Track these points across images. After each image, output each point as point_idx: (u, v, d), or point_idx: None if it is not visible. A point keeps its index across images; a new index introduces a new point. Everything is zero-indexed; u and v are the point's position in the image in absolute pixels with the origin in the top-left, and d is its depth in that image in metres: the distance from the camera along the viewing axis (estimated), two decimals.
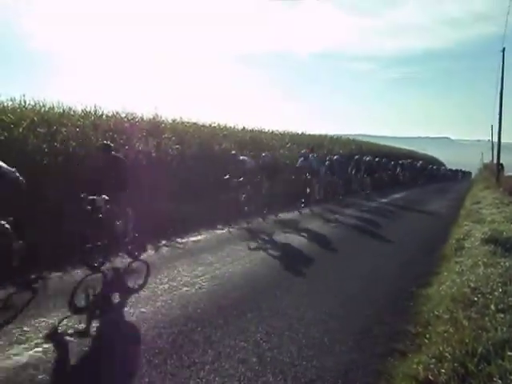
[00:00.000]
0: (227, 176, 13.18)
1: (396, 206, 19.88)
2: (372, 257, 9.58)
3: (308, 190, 16.88)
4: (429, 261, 9.17)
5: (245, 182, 13.30)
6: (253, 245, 10.19)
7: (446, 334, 4.76)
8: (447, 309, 5.64)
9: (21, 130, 9.70)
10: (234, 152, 14.15)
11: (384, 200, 22.41)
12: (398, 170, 34.40)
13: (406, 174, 35.83)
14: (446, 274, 7.77)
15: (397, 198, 24.36)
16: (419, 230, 13.82)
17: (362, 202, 20.70)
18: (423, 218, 16.80)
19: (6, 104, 10.80)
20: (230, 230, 11.87)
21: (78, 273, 7.41)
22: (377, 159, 29.03)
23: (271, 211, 14.31)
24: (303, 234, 11.85)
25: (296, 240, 10.92)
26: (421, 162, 44.63)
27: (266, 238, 11.12)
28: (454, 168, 77.25)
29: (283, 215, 14.70)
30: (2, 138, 9.24)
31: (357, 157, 24.86)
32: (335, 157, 21.53)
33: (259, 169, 14.27)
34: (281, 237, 11.23)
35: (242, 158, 13.64)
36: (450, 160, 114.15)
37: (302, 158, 16.98)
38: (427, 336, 5.03)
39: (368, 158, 25.06)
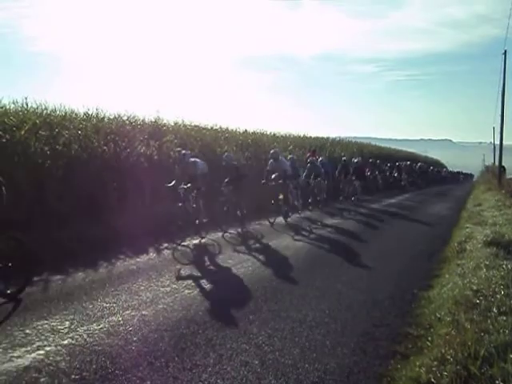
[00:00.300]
0: (172, 183, 10.65)
1: (388, 214, 17.80)
2: (337, 294, 6.94)
3: (281, 197, 14.39)
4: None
5: (196, 189, 11.03)
6: (181, 273, 8.07)
7: (448, 337, 4.75)
8: (449, 311, 5.64)
9: (23, 132, 9.72)
10: (183, 151, 11.43)
11: (375, 206, 20.55)
12: (395, 172, 32.75)
13: (404, 176, 33.39)
14: (447, 276, 7.76)
15: (391, 203, 22.37)
16: (408, 249, 10.86)
17: (350, 208, 18.74)
18: (416, 230, 14.23)
19: (8, 106, 10.80)
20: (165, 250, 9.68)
21: (80, 275, 7.44)
22: (370, 160, 28.37)
23: (234, 223, 12.31)
24: (262, 253, 9.62)
25: (247, 265, 8.57)
26: (420, 163, 42.32)
27: (204, 263, 9.00)
28: (455, 170, 77.30)
29: (250, 227, 12.72)
30: (4, 140, 9.26)
31: (344, 158, 23.02)
32: (320, 158, 19.90)
33: (223, 171, 12.61)
34: (224, 258, 9.15)
35: (193, 159, 11.20)
36: (452, 162, 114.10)
37: (272, 160, 14.32)
38: (429, 338, 5.03)
39: (356, 160, 22.77)
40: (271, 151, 14.86)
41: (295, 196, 15.67)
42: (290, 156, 16.90)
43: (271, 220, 13.58)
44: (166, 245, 9.92)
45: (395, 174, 32.65)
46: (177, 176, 10.95)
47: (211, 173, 11.89)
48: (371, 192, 25.44)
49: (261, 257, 9.30)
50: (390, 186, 30.41)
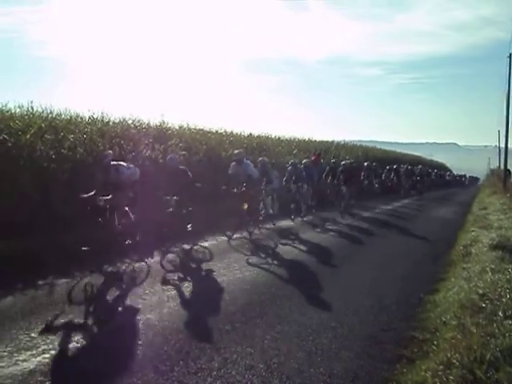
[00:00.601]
0: (92, 192, 8.39)
1: (376, 225, 15.38)
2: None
3: (245, 206, 11.93)
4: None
5: (119, 200, 8.88)
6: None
7: (453, 341, 4.73)
8: (455, 315, 5.62)
9: (28, 136, 9.75)
10: (107, 152, 9.41)
11: (367, 214, 18.35)
12: (393, 176, 30.54)
13: (404, 180, 30.91)
14: (453, 280, 7.74)
15: (386, 211, 20.29)
16: (390, 285, 7.84)
17: (335, 217, 16.25)
18: (408, 248, 11.40)
19: (14, 111, 10.86)
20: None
21: (86, 279, 7.44)
22: (366, 164, 26.65)
23: (179, 240, 10.20)
24: (174, 300, 6.57)
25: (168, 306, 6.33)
26: (420, 166, 37.76)
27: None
28: (461, 174, 77.01)
29: (199, 244, 10.41)
30: (10, 144, 9.29)
31: (333, 161, 20.47)
32: (304, 161, 17.59)
33: (167, 176, 10.58)
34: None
35: (115, 163, 8.87)
36: (458, 166, 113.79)
37: (235, 163, 12.15)
38: (435, 342, 5.01)
39: (344, 162, 19.39)
40: (235, 151, 12.96)
41: (269, 204, 13.90)
42: (291, 161, 16.37)
43: (230, 234, 11.38)
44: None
45: (393, 178, 30.76)
46: (98, 184, 8.61)
47: (217, 175, 11.65)
48: (368, 197, 23.62)
49: (164, 307, 6.25)
50: (388, 191, 28.77)
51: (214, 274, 8.06)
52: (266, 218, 13.58)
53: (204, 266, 8.72)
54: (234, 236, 11.41)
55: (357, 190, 20.30)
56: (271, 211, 13.94)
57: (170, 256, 9.30)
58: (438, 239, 12.87)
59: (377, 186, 27.44)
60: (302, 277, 8.17)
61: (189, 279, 7.72)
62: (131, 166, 9.35)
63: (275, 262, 9.18)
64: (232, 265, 8.67)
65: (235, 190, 11.94)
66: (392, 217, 18.30)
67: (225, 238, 11.21)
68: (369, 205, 21.16)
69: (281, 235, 12.33)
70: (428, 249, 11.45)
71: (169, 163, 10.52)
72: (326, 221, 15.51)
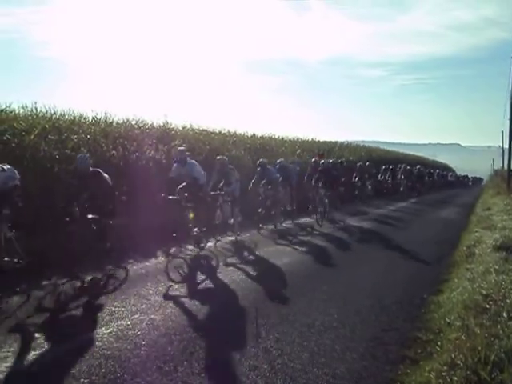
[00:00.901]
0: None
1: (360, 235, 13.06)
2: None
3: (191, 215, 9.99)
4: None
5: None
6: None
7: (457, 342, 4.71)
8: (459, 316, 5.60)
9: (32, 137, 9.77)
10: None
11: (351, 221, 15.73)
12: (388, 177, 29.27)
13: (403, 181, 29.26)
14: (456, 280, 7.72)
15: (373, 216, 17.84)
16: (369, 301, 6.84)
17: (314, 225, 14.18)
18: (396, 273, 8.76)
19: (17, 111, 10.87)
20: None
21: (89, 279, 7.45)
22: (359, 164, 24.69)
23: (92, 266, 7.88)
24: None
25: None
26: (418, 166, 35.33)
27: None
28: (463, 174, 76.83)
29: (123, 268, 8.30)
30: (14, 144, 9.30)
31: (314, 159, 17.36)
32: (278, 160, 15.57)
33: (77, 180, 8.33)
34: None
35: None
36: (461, 166, 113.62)
37: (177, 164, 10.25)
38: (439, 343, 5.00)
39: (322, 161, 16.58)
40: (178, 148, 11.11)
41: (228, 212, 11.62)
42: (291, 159, 15.66)
43: (170, 251, 9.46)
44: (174, 249, 9.81)
45: (389, 179, 29.33)
46: None
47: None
48: (361, 201, 22.64)
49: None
50: (384, 193, 27.55)
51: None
52: (225, 228, 11.60)
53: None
54: (171, 252, 9.45)
55: (339, 193, 18.42)
56: (231, 220, 11.72)
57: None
58: (441, 241, 12.38)
59: (370, 187, 25.49)
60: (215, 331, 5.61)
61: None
62: (7, 166, 7.23)
63: (188, 296, 6.88)
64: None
65: (176, 197, 9.83)
66: (382, 224, 15.81)
67: (158, 260, 9.09)
68: (359, 209, 19.72)
69: (233, 250, 10.29)
70: (426, 255, 10.35)
71: (79, 163, 8.17)
72: (302, 229, 13.64)
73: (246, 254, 10.03)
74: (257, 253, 10.04)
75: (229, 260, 9.27)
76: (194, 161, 10.59)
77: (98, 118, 13.03)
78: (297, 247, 10.90)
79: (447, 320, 5.66)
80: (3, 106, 10.47)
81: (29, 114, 11.04)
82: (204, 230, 10.33)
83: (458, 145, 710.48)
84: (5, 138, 9.29)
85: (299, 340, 5.24)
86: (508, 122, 31.85)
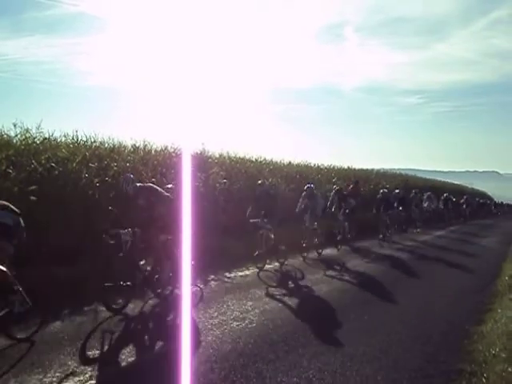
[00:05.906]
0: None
1: (378, 281, 10.51)
2: None
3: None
4: None
5: None
6: None
7: (504, 374, 4.55)
8: (504, 347, 5.42)
9: (74, 164, 9.93)
10: None
11: (368, 264, 12.88)
12: (439, 203, 28.63)
13: (416, 210, 24.98)
14: (500, 310, 7.49)
15: (403, 247, 16.67)
16: None
17: (332, 264, 12.35)
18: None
19: (60, 140, 11.09)
20: None
21: (129, 306, 7.43)
22: (397, 191, 22.29)
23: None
24: None
25: None
26: (446, 194, 32.17)
27: None
28: (504, 202, 74.76)
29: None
30: (57, 172, 9.47)
31: (308, 186, 13.81)
32: (306, 186, 13.80)
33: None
34: None
35: None
36: (499, 194, 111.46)
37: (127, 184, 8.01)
38: (485, 375, 4.80)
39: (335, 186, 16.63)
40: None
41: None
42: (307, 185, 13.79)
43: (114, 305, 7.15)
44: (212, 276, 9.79)
45: (440, 206, 29.31)
46: None
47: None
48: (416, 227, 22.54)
49: None
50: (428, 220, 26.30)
51: None
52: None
53: None
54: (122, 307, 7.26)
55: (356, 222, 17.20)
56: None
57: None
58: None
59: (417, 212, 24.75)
60: None
61: None
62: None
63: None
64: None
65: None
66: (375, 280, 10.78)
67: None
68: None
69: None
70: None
71: (125, 185, 7.95)
72: (325, 263, 12.32)
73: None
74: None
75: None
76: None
77: (137, 146, 13.20)
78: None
79: (492, 351, 5.46)
80: (47, 135, 10.69)
81: (70, 142, 11.24)
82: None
83: (496, 172, 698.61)
84: (49, 165, 9.47)
85: (341, 370, 5.11)
86: None
